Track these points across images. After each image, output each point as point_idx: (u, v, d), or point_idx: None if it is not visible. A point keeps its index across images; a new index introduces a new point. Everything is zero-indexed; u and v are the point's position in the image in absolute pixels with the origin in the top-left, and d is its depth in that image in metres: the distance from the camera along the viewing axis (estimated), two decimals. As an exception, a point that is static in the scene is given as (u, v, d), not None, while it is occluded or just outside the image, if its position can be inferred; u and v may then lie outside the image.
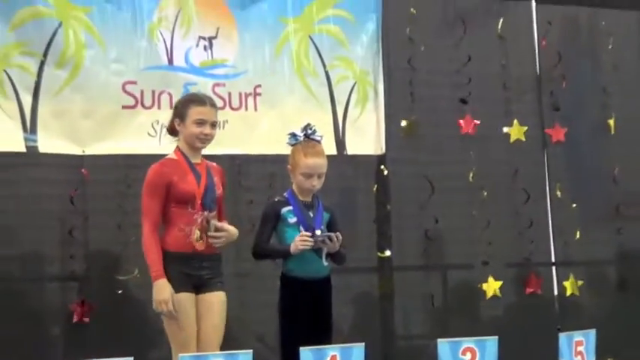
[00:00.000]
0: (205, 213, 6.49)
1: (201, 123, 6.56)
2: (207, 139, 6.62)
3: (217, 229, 6.50)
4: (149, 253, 6.43)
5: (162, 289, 6.34)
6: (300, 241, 6.62)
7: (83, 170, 8.13)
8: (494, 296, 9.36)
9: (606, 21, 10.18)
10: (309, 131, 6.89)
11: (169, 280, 6.37)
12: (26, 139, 8.03)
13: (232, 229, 6.64)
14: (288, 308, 6.76)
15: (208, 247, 6.51)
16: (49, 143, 8.08)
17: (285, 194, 6.89)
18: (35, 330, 7.95)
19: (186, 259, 6.43)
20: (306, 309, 6.71)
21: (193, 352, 6.17)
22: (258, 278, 7.92)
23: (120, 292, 8.08)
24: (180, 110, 6.64)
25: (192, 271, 6.45)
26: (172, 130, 6.77)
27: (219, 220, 6.65)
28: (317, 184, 6.82)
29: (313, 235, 6.64)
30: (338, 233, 6.70)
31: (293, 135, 6.91)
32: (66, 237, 8.07)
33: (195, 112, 6.56)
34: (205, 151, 6.78)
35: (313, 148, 6.83)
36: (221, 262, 6.66)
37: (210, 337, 6.49)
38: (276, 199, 6.91)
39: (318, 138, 6.92)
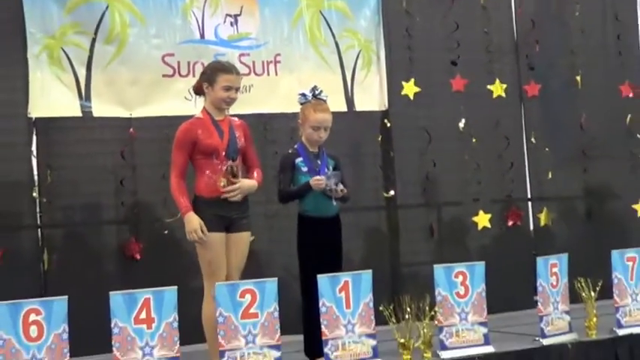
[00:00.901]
0: (229, 162, 6.50)
1: (228, 88, 6.56)
2: (232, 102, 6.63)
3: (233, 181, 6.50)
4: (176, 195, 6.47)
5: (191, 221, 6.40)
6: (315, 182, 6.66)
7: (131, 130, 8.18)
8: (484, 227, 9.41)
9: (573, -9, 10.16)
10: (317, 92, 6.93)
11: (204, 221, 6.40)
12: (82, 106, 8.07)
13: (246, 183, 6.59)
14: (305, 242, 6.84)
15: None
16: (101, 108, 8.12)
17: (295, 147, 6.95)
18: (95, 266, 8.04)
19: (216, 203, 6.45)
20: (320, 243, 6.78)
21: (221, 280, 6.23)
22: (283, 218, 7.95)
23: (166, 232, 8.13)
24: (209, 76, 6.62)
25: (223, 213, 6.47)
26: (198, 91, 6.76)
27: (249, 167, 6.67)
28: (324, 135, 6.88)
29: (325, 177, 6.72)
30: (344, 188, 6.76)
31: (303, 95, 6.97)
32: (118, 187, 8.13)
33: (223, 80, 6.55)
34: (236, 111, 6.84)
35: (321, 106, 6.89)
36: (248, 204, 6.68)
37: (233, 270, 6.53)
38: (289, 151, 6.97)
39: (325, 97, 6.96)
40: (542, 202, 9.86)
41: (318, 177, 6.73)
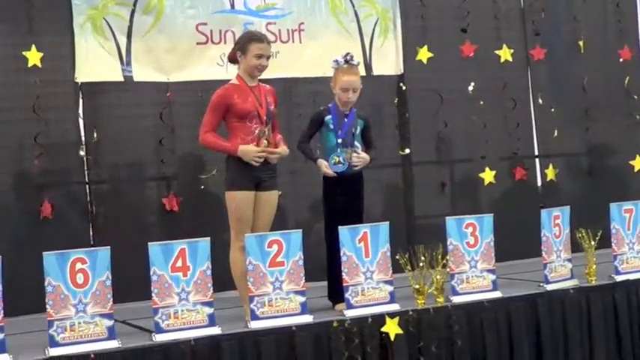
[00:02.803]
0: (262, 127, 6.45)
1: (260, 56, 6.49)
2: (263, 69, 6.57)
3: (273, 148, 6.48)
4: (215, 144, 6.49)
5: (246, 151, 6.36)
6: (325, 170, 6.70)
7: (168, 94, 8.15)
8: (490, 183, 9.34)
9: (576, -38, 10.04)
10: (348, 57, 6.85)
11: (235, 180, 6.39)
12: (124, 71, 8.09)
13: (283, 150, 6.60)
14: (330, 196, 6.79)
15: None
16: (141, 73, 8.13)
17: (329, 105, 6.88)
18: (138, 218, 8.06)
19: (247, 163, 6.38)
20: (343, 197, 6.74)
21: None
22: (306, 175, 7.93)
23: (202, 187, 8.14)
24: (242, 45, 6.56)
25: (253, 172, 6.41)
26: (232, 59, 6.70)
27: (273, 130, 6.61)
28: (352, 96, 6.79)
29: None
30: (358, 161, 6.73)
31: (336, 61, 6.87)
32: (158, 146, 8.11)
33: (255, 48, 6.49)
34: (264, 76, 6.74)
35: (350, 69, 6.80)
36: (276, 164, 6.62)
37: (261, 227, 6.48)
38: (322, 108, 6.93)
39: (355, 63, 6.87)
40: (549, 159, 9.77)
41: (326, 168, 6.71)
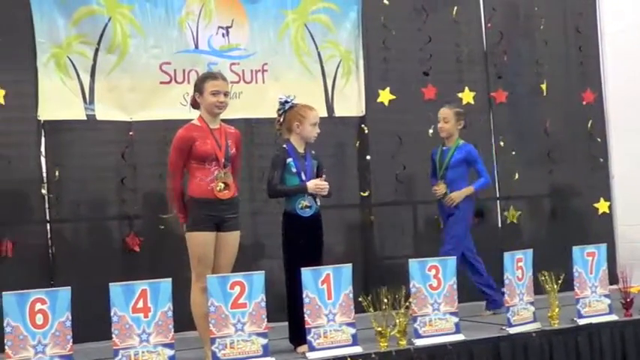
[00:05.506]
0: (220, 169, 6.44)
1: (216, 93, 6.49)
2: (222, 106, 6.54)
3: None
4: (173, 200, 6.62)
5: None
6: (316, 187, 6.72)
7: (131, 133, 8.17)
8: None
9: (539, 7, 10.16)
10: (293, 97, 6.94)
11: (196, 220, 6.40)
12: (86, 109, 8.10)
13: None
14: (291, 239, 6.79)
15: (227, 193, 6.48)
16: (104, 112, 8.14)
17: (284, 146, 6.85)
18: (98, 258, 7.99)
19: (208, 203, 6.39)
20: (304, 239, 6.74)
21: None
22: (266, 215, 7.97)
23: (162, 227, 8.12)
24: (198, 86, 6.58)
25: (215, 213, 6.41)
26: (195, 104, 6.68)
27: (232, 174, 6.61)
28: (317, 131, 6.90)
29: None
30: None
31: (286, 101, 6.89)
32: (119, 185, 8.11)
33: (210, 85, 6.50)
34: (227, 116, 6.79)
35: (310, 105, 6.89)
36: (238, 204, 6.63)
37: (223, 268, 6.47)
38: (280, 151, 6.85)
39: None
40: (510, 201, 9.84)
41: (319, 182, 6.76)
